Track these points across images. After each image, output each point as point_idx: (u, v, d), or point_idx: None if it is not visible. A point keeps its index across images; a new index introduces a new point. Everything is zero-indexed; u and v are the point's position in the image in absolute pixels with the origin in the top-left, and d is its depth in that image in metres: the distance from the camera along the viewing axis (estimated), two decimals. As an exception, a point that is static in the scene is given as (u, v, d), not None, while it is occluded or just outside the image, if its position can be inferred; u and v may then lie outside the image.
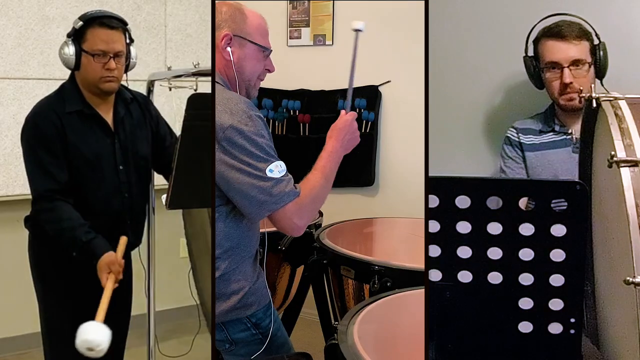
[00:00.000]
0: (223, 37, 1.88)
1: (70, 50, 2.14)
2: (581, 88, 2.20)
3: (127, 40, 2.22)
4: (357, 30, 2.01)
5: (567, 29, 2.32)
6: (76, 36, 2.15)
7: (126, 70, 2.27)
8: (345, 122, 1.95)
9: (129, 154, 2.28)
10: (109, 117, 2.26)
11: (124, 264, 2.26)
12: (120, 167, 2.26)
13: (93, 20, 2.14)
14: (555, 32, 2.34)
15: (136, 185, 2.31)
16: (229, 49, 1.88)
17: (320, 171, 1.89)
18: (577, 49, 2.32)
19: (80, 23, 2.14)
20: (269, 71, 1.99)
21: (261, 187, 1.74)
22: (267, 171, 1.74)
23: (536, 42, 2.42)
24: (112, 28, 2.16)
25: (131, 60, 2.26)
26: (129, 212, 2.29)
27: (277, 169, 1.76)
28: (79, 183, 2.18)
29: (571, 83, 2.31)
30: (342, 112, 1.98)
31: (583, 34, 2.33)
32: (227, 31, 1.88)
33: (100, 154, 2.22)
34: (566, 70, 2.31)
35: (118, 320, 2.24)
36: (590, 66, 2.33)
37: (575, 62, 2.32)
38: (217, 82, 1.88)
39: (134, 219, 2.32)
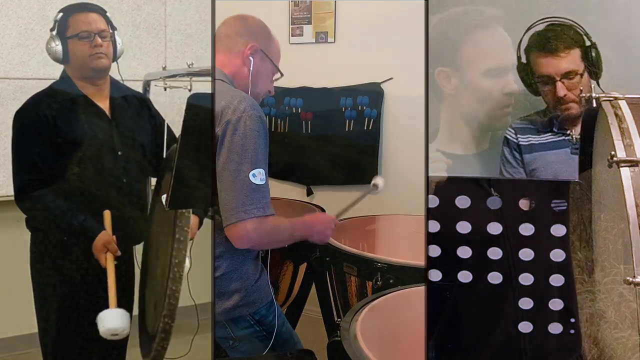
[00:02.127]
0: (250, 46, 1.95)
1: (56, 41, 2.21)
2: (581, 88, 2.20)
3: (110, 27, 2.27)
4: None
5: (555, 42, 2.28)
6: (59, 28, 2.21)
7: (115, 57, 2.29)
8: (325, 220, 2.12)
9: (128, 140, 2.30)
10: (105, 105, 2.29)
11: (127, 262, 2.27)
12: (119, 153, 2.27)
13: (71, 9, 2.23)
14: (542, 46, 2.31)
15: (134, 171, 2.33)
16: (251, 58, 1.95)
17: (290, 224, 1.94)
18: (568, 61, 2.28)
19: (60, 14, 2.22)
20: (270, 93, 2.07)
21: (239, 189, 1.76)
22: (250, 175, 1.76)
23: (527, 52, 2.40)
24: (90, 11, 2.23)
25: (118, 45, 2.30)
26: (128, 197, 2.30)
27: (260, 175, 1.78)
28: (76, 168, 2.20)
29: (565, 95, 2.29)
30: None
31: (573, 42, 2.29)
32: (254, 42, 1.96)
33: (97, 138, 2.24)
34: (559, 84, 2.28)
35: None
36: (583, 74, 2.30)
37: (567, 74, 2.29)
38: (222, 80, 1.90)
39: (133, 205, 2.32)
